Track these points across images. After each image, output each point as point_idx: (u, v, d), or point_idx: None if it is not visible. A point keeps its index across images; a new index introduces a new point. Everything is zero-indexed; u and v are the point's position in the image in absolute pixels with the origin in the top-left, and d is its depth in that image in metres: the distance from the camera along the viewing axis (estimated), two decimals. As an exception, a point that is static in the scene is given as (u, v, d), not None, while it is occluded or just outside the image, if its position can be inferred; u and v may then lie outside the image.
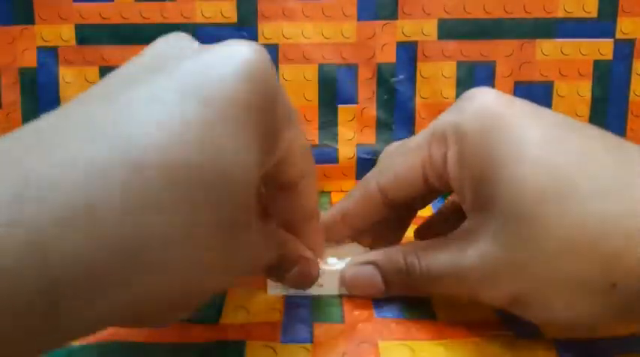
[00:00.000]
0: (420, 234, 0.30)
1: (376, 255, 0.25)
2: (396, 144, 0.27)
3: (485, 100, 0.21)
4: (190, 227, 0.15)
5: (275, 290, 0.27)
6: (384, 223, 0.27)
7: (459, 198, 0.23)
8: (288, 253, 0.24)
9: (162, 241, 0.14)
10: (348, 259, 0.27)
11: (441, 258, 0.22)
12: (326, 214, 0.27)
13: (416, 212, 0.29)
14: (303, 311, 0.25)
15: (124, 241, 0.13)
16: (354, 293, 0.26)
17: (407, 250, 0.24)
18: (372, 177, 0.26)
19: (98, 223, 0.13)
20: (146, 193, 0.14)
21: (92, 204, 0.13)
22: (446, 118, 0.23)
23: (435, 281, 0.23)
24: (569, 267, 0.18)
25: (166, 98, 0.15)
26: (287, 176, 0.21)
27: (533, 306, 0.20)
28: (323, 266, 0.26)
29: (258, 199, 0.21)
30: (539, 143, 0.19)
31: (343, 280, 0.26)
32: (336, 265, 0.27)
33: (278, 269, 0.25)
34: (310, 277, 0.25)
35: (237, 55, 0.16)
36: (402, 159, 0.24)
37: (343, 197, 0.27)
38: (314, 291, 0.26)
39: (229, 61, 0.16)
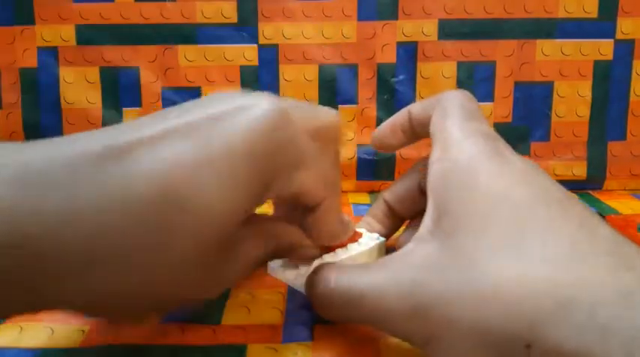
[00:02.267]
0: (401, 240, 0.31)
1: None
2: None
3: (457, 153, 0.21)
4: (154, 241, 0.17)
5: (274, 273, 0.28)
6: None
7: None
8: (283, 243, 0.24)
9: (125, 244, 0.16)
10: (343, 256, 0.28)
11: (365, 277, 0.21)
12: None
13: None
14: (305, 312, 0.25)
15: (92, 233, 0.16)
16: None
17: (330, 264, 0.23)
18: (382, 194, 0.31)
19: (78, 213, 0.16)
20: (130, 205, 0.16)
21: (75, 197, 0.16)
22: (436, 159, 0.22)
23: (354, 301, 0.21)
24: (493, 318, 0.17)
25: (180, 139, 0.18)
26: (305, 204, 0.23)
27: (444, 352, 0.18)
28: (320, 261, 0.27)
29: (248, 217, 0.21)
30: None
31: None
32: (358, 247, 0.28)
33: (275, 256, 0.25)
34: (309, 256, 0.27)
35: (251, 110, 0.19)
36: (403, 179, 0.30)
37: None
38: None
39: (242, 115, 0.19)
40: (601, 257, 0.17)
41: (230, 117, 0.18)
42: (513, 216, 0.18)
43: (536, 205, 0.19)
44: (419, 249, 0.20)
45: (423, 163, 0.29)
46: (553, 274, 0.17)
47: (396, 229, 0.32)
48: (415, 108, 0.27)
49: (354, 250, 0.28)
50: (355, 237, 0.30)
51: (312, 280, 0.23)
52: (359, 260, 0.28)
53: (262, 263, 0.25)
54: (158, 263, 0.17)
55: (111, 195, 0.16)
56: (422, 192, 0.29)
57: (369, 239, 0.30)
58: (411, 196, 0.30)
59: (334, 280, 0.21)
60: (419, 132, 0.27)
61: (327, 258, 0.28)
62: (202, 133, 0.18)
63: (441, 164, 0.22)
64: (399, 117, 0.28)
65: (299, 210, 0.24)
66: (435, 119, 0.24)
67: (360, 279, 0.21)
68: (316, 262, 0.27)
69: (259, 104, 0.19)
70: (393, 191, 0.30)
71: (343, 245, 0.29)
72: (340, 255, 0.28)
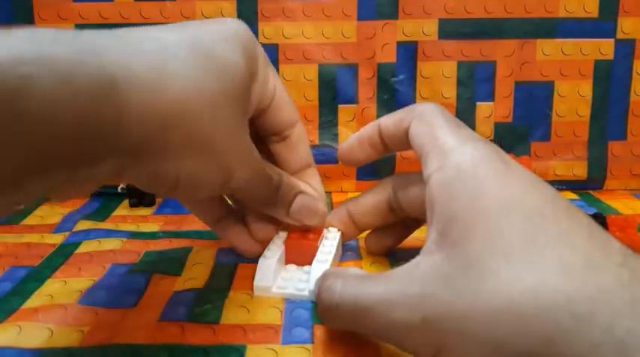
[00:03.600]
0: (369, 242, 0.32)
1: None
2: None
3: (459, 160, 0.21)
4: (204, 89, 0.21)
5: (260, 292, 0.27)
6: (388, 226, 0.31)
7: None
8: (287, 184, 0.28)
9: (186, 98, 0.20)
10: (326, 243, 0.29)
11: (372, 289, 0.20)
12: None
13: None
14: (304, 313, 0.25)
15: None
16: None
17: (336, 273, 0.23)
18: (345, 205, 0.31)
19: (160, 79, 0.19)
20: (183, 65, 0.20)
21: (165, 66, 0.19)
22: (435, 169, 0.21)
23: (361, 313, 0.20)
24: (507, 332, 0.16)
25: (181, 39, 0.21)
26: (279, 121, 0.28)
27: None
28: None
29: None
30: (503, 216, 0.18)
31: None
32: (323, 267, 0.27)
33: (279, 205, 0.28)
34: (316, 211, 0.29)
35: (227, 21, 0.24)
36: (371, 193, 0.30)
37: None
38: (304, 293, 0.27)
39: (224, 23, 0.24)
40: (614, 269, 0.16)
41: (219, 21, 0.24)
42: (525, 223, 0.18)
43: (546, 213, 0.18)
44: (426, 260, 0.20)
45: (395, 181, 0.29)
46: (569, 286, 0.16)
47: (351, 238, 0.32)
48: (385, 122, 0.26)
49: (329, 255, 0.28)
50: (319, 231, 0.30)
51: (316, 289, 0.23)
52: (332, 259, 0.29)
53: (263, 200, 0.27)
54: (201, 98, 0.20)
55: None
56: (390, 209, 0.29)
57: (331, 232, 0.30)
58: (378, 211, 0.29)
59: (339, 292, 0.21)
60: (390, 146, 0.27)
61: (316, 267, 0.27)
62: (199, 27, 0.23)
63: (442, 173, 0.21)
64: (368, 131, 0.27)
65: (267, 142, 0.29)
66: (418, 131, 0.23)
67: (366, 291, 0.20)
68: (298, 274, 0.28)
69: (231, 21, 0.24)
70: (359, 204, 0.30)
71: (316, 240, 0.29)
72: (319, 267, 0.27)
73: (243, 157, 0.24)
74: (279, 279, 0.28)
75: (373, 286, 0.20)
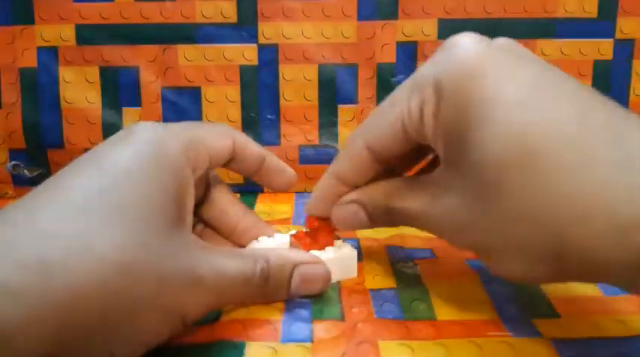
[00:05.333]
0: None
1: (359, 194, 0.26)
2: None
3: (463, 52, 0.21)
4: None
5: None
6: (382, 177, 0.27)
7: (435, 149, 0.23)
8: (276, 266, 0.25)
9: None
10: (328, 249, 0.28)
11: (414, 204, 0.24)
12: (321, 180, 0.28)
13: (411, 167, 0.28)
14: (303, 310, 0.25)
15: None
16: (342, 228, 0.28)
17: (387, 191, 0.25)
18: (359, 134, 0.25)
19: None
20: None
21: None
22: (425, 72, 0.23)
23: (412, 221, 0.25)
24: (521, 234, 0.19)
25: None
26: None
27: (491, 259, 0.22)
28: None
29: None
30: (510, 105, 0.19)
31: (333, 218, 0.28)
32: (322, 255, 0.27)
33: (272, 295, 0.25)
34: (321, 277, 0.26)
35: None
36: (384, 114, 0.24)
37: (335, 160, 0.27)
38: None
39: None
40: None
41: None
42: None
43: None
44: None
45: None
46: None
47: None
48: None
49: (323, 256, 0.28)
50: (329, 241, 0.29)
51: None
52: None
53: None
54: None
55: None
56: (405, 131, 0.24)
57: (343, 247, 0.29)
58: (395, 137, 0.24)
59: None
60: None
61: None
62: None
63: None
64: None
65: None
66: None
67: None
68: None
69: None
70: (376, 132, 0.25)
71: (321, 248, 0.28)
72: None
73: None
74: None
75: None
